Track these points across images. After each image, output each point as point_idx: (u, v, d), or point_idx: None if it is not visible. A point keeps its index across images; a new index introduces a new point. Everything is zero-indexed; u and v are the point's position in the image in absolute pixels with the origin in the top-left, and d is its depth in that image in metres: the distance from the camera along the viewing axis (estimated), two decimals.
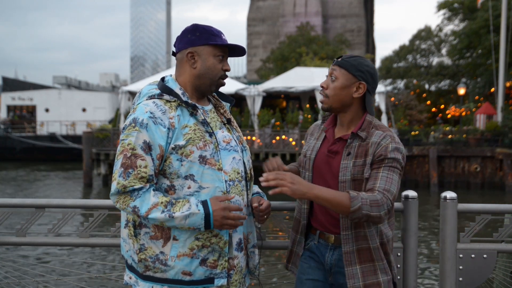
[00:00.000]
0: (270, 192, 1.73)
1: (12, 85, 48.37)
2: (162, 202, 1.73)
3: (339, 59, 1.98)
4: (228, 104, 2.06)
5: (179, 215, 1.71)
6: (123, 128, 1.82)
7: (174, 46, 1.93)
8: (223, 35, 1.90)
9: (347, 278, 1.91)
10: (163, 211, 1.71)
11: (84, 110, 37.66)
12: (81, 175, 20.33)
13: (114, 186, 1.75)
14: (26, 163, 29.05)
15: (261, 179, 1.75)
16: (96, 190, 18.91)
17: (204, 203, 1.75)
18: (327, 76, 2.01)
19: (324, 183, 1.96)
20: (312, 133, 2.16)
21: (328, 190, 1.77)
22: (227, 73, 1.94)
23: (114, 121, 22.36)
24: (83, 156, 19.51)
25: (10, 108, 38.89)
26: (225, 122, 1.98)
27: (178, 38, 1.91)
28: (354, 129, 1.96)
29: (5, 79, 49.10)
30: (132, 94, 21.22)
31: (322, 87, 1.99)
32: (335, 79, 1.95)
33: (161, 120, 1.77)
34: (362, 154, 1.91)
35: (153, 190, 1.76)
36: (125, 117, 20.27)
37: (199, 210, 1.73)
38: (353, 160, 1.91)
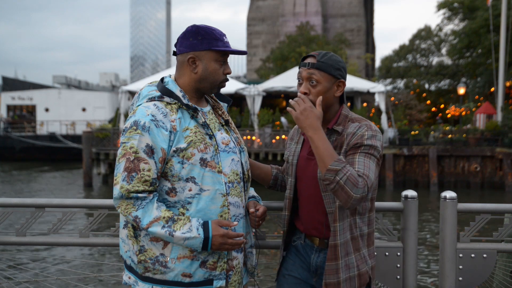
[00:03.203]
0: (291, 101, 1.80)
1: (12, 84, 48.38)
2: (164, 217, 1.72)
3: (312, 61, 1.87)
4: (226, 105, 2.06)
5: (179, 236, 1.71)
6: (124, 130, 1.80)
7: (175, 46, 1.91)
8: (225, 38, 1.87)
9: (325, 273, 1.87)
10: (163, 227, 1.71)
11: (84, 109, 37.65)
12: (81, 175, 20.33)
13: (117, 190, 1.74)
14: (26, 162, 29.04)
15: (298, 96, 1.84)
16: (96, 189, 18.90)
17: (205, 226, 1.75)
18: (299, 79, 1.91)
19: (306, 187, 1.94)
20: (292, 137, 2.12)
21: (325, 141, 1.75)
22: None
23: (114, 120, 22.37)
24: (83, 155, 19.51)
25: (10, 108, 38.89)
26: (223, 123, 1.97)
27: (180, 40, 1.88)
28: (330, 124, 1.92)
29: (5, 79, 49.10)
30: (132, 93, 21.23)
31: (305, 93, 1.88)
32: (316, 83, 1.88)
33: (163, 123, 1.76)
34: (338, 147, 1.87)
35: (157, 201, 1.75)
36: (125, 116, 20.27)
37: (199, 234, 1.73)
38: None
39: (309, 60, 1.90)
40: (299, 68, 1.94)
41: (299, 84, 1.93)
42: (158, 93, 1.84)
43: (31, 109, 38.60)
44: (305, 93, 1.90)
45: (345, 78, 1.92)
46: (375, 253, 1.99)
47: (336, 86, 1.91)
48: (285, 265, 2.08)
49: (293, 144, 2.08)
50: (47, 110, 37.71)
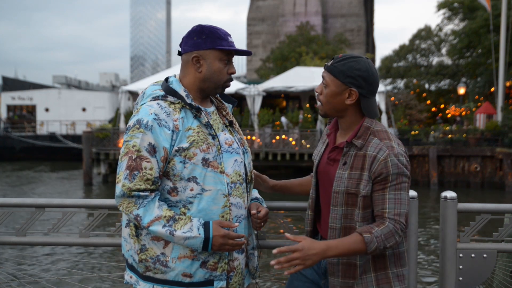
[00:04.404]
0: (286, 272, 1.69)
1: (12, 84, 48.41)
2: (165, 216, 1.73)
3: (330, 63, 1.87)
4: (230, 106, 2.06)
5: (180, 235, 1.72)
6: (127, 129, 1.80)
7: (180, 46, 1.91)
8: (230, 37, 1.87)
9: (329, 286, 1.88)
10: (164, 226, 1.72)
11: (84, 109, 37.66)
12: (81, 175, 20.33)
13: (119, 189, 1.74)
14: (26, 162, 29.03)
15: (272, 263, 1.66)
16: (96, 189, 18.90)
17: (206, 226, 1.75)
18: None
19: (324, 191, 1.94)
20: (322, 136, 2.10)
21: (342, 244, 1.71)
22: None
23: (114, 120, 22.37)
24: (83, 155, 19.53)
25: (10, 108, 38.90)
26: (227, 124, 1.97)
27: (184, 39, 1.89)
28: (349, 137, 1.85)
29: (5, 79, 49.13)
30: (132, 93, 21.23)
31: (316, 92, 1.92)
32: (326, 86, 1.86)
33: (166, 122, 1.77)
34: (358, 167, 1.80)
35: (158, 200, 1.76)
36: (125, 116, 20.28)
37: (199, 234, 1.73)
38: (349, 171, 1.81)
39: (330, 61, 1.89)
40: None
41: None
42: (162, 93, 1.85)
43: (31, 109, 38.60)
44: (317, 93, 1.92)
45: (361, 87, 1.81)
46: (404, 274, 1.89)
47: (347, 94, 1.83)
48: None
49: (320, 144, 2.07)
50: (47, 110, 37.71)
